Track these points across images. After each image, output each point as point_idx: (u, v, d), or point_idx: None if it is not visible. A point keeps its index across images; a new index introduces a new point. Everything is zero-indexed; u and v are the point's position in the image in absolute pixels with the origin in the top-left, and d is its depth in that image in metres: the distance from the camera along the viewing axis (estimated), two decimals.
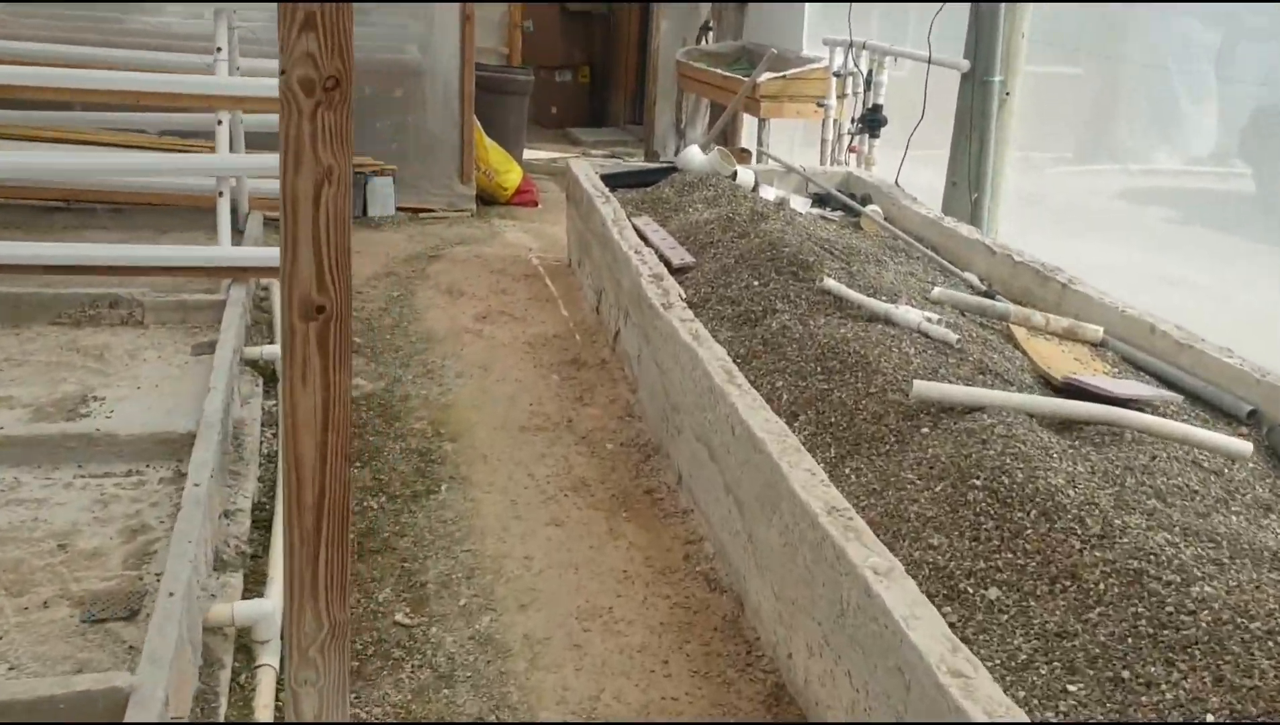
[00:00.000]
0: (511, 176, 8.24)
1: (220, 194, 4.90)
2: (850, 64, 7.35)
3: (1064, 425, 3.24)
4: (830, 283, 4.24)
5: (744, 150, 8.05)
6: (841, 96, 7.44)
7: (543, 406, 4.56)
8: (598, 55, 12.62)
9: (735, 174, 6.34)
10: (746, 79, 7.80)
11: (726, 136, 9.31)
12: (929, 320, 3.92)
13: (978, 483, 2.78)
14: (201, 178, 5.43)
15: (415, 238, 7.18)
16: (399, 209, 7.62)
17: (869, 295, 4.22)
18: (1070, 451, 2.94)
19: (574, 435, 4.30)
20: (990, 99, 5.94)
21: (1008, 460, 2.83)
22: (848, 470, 3.13)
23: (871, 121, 6.98)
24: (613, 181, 6.37)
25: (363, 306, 5.72)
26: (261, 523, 3.51)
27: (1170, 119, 6.97)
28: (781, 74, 7.58)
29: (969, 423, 3.09)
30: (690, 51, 9.19)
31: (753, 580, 3.05)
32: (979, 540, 2.64)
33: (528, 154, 9.55)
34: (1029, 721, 2.00)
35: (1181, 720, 2.07)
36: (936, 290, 4.43)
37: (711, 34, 9.42)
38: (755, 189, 6.30)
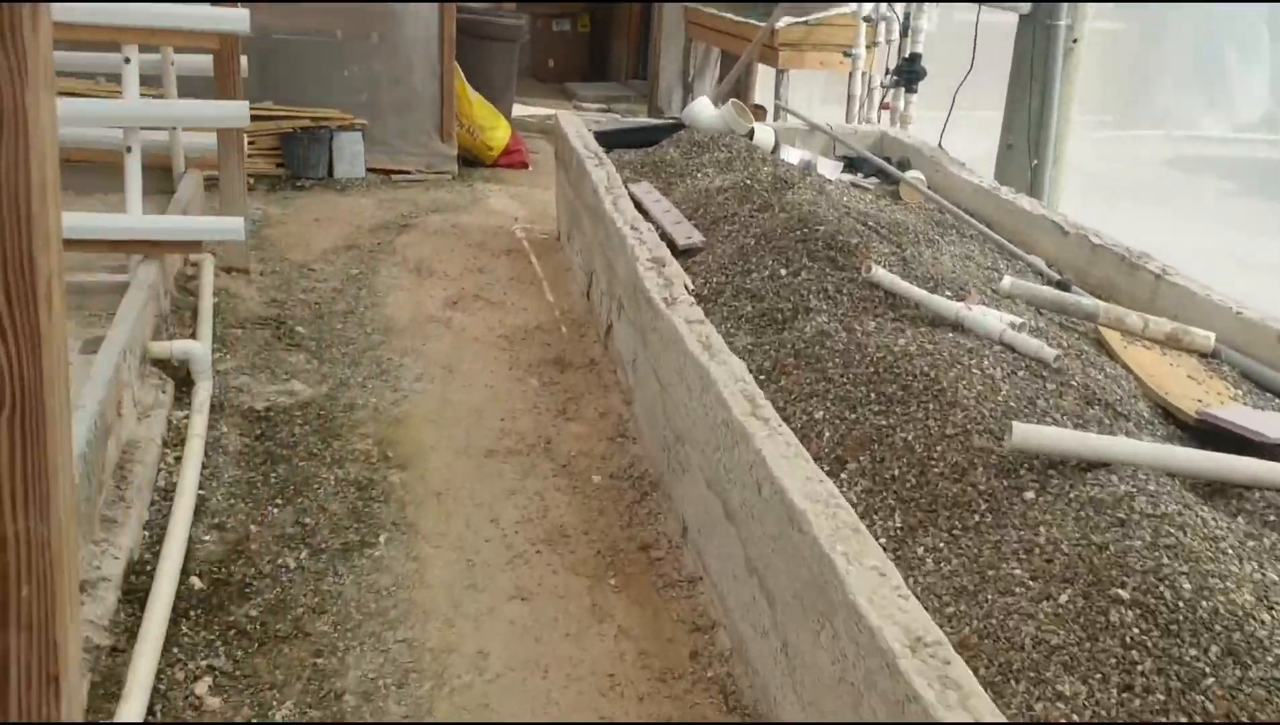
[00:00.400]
0: (498, 134, 7.31)
1: (128, 149, 3.98)
2: (884, 7, 6.39)
3: (1213, 488, 2.35)
4: (880, 273, 3.32)
5: (759, 106, 7.11)
6: (872, 45, 6.49)
7: (516, 422, 3.67)
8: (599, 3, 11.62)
9: (752, 132, 5.40)
10: (763, 25, 6.85)
11: (740, 90, 8.37)
12: (1012, 326, 3.02)
13: (1123, 594, 1.89)
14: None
15: (385, 204, 6.25)
16: (370, 170, 6.70)
17: (928, 288, 3.32)
18: (1249, 542, 2.05)
19: (553, 462, 3.40)
20: (1055, 45, 5.00)
21: (1164, 559, 1.94)
22: (921, 551, 2.24)
23: (909, 74, 6.03)
24: (609, 140, 5.44)
25: (313, 287, 4.82)
26: (137, 594, 2.64)
27: (1217, 81, 6.10)
28: (803, 19, 6.63)
29: (1094, 488, 2.19)
30: None
31: (788, 707, 2.18)
32: (1133, 691, 1.76)
33: (519, 110, 8.59)
34: None
35: None
36: (1007, 281, 3.52)
37: None
38: (775, 150, 5.37)
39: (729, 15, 7.68)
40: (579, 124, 5.60)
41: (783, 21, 6.60)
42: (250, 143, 5.89)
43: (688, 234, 4.14)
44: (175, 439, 3.41)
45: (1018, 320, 3.13)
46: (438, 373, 4.04)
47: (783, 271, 3.55)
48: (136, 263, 4.00)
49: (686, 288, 3.43)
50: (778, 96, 6.89)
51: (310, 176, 6.48)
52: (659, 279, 3.46)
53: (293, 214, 5.89)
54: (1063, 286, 3.90)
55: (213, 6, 4.44)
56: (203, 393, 3.64)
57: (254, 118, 4.72)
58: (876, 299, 3.27)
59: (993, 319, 3.02)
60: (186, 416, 3.50)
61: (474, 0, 7.84)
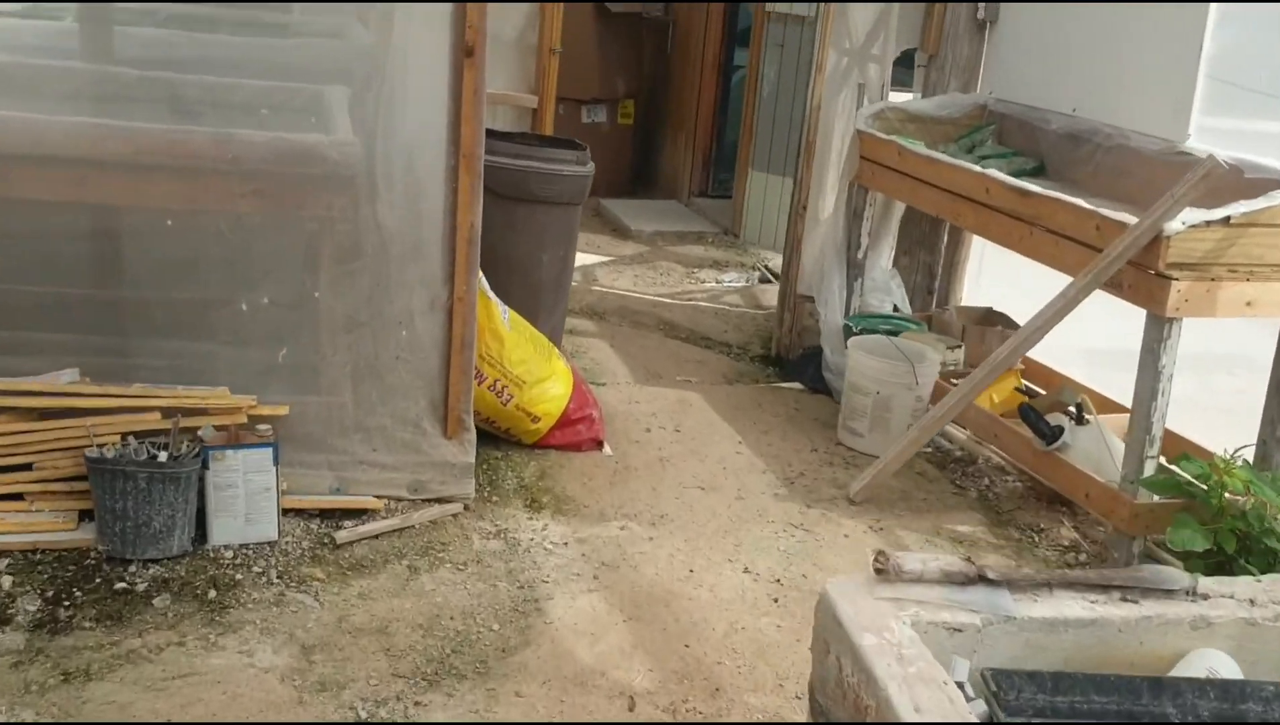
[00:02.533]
0: (551, 390, 3.68)
1: None
2: None
3: None
4: None
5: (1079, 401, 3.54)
6: None
7: None
8: (647, 83, 8.05)
9: None
10: (1049, 195, 3.35)
11: (944, 300, 4.86)
12: None
13: None
14: None
15: (313, 651, 2.61)
16: (289, 512, 3.06)
17: None
18: None
19: None
20: None
21: None
22: None
23: None
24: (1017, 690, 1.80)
25: None
26: None
27: None
28: (1221, 214, 3.08)
29: None
30: (883, 113, 4.68)
31: None
32: None
33: None
34: None
35: None
36: None
37: (923, 75, 4.93)
38: None
39: (950, 160, 4.14)
40: (907, 635, 1.89)
41: (1181, 221, 3.05)
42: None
43: None
44: None
45: None
46: None
47: None
48: None
49: None
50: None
51: (150, 555, 2.81)
52: None
53: None
54: None
55: None
56: None
57: None
58: None
59: None
60: None
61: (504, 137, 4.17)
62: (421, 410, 3.19)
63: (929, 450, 4.14)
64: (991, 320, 4.49)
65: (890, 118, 4.69)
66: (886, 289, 4.85)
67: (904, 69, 5.03)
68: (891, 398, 3.96)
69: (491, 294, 3.61)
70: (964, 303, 4.92)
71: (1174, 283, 3.06)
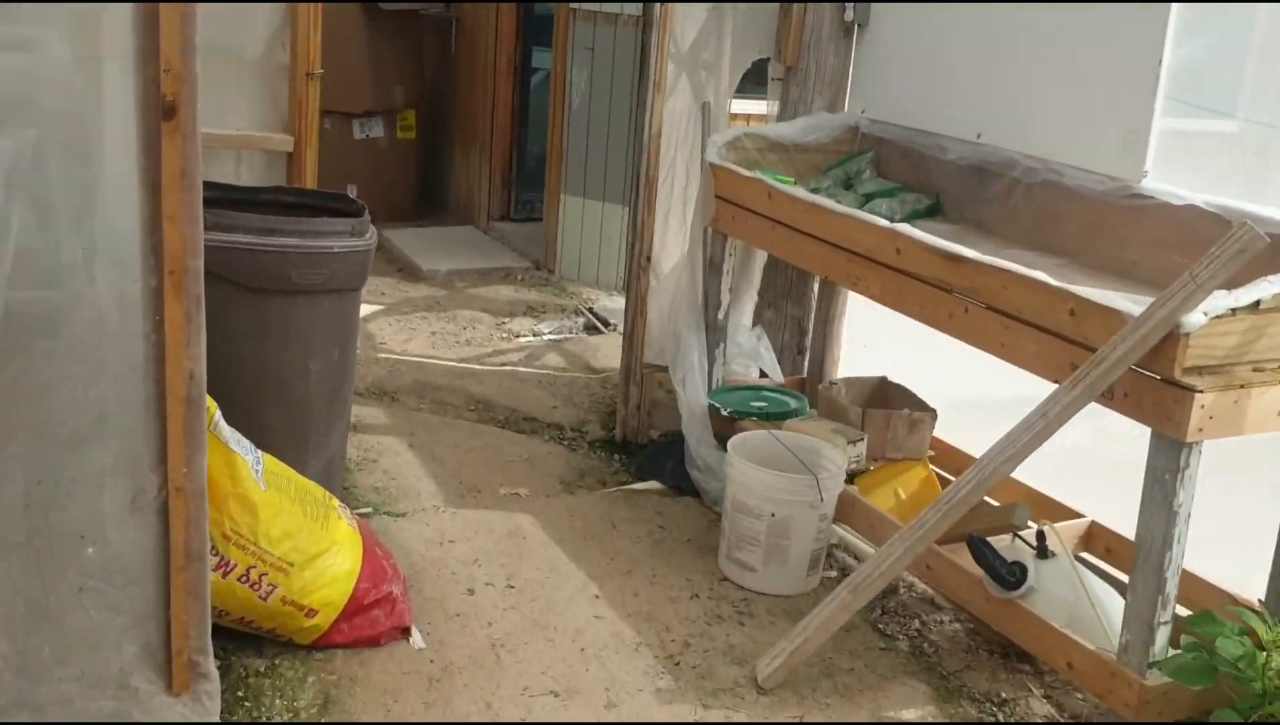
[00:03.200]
0: (330, 568, 2.57)
1: None
2: None
3: None
4: None
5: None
6: None
7: None
8: (431, 90, 6.89)
9: None
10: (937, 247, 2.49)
11: (819, 364, 3.99)
12: None
13: None
14: None
15: None
16: None
17: None
18: None
19: None
20: None
21: None
22: None
23: None
24: None
25: None
26: None
27: None
28: (1249, 300, 2.26)
29: None
30: (738, 141, 3.73)
31: None
32: None
33: None
34: None
35: None
36: None
37: (775, 86, 3.99)
38: None
39: (843, 209, 3.25)
40: None
41: (1203, 310, 2.21)
42: None
43: None
44: None
45: None
46: None
47: None
48: None
49: None
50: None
51: None
52: None
53: None
54: None
55: None
56: None
57: None
58: None
59: None
60: None
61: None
62: (129, 661, 2.04)
63: (833, 574, 3.24)
64: (888, 397, 3.63)
65: (748, 147, 3.75)
66: (753, 353, 3.93)
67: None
68: (790, 520, 3.04)
69: (234, 441, 2.46)
70: (841, 362, 4.05)
71: (1196, 396, 2.22)
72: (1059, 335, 2.50)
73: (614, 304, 5.29)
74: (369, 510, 3.32)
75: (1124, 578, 3.03)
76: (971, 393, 3.81)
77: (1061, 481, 3.36)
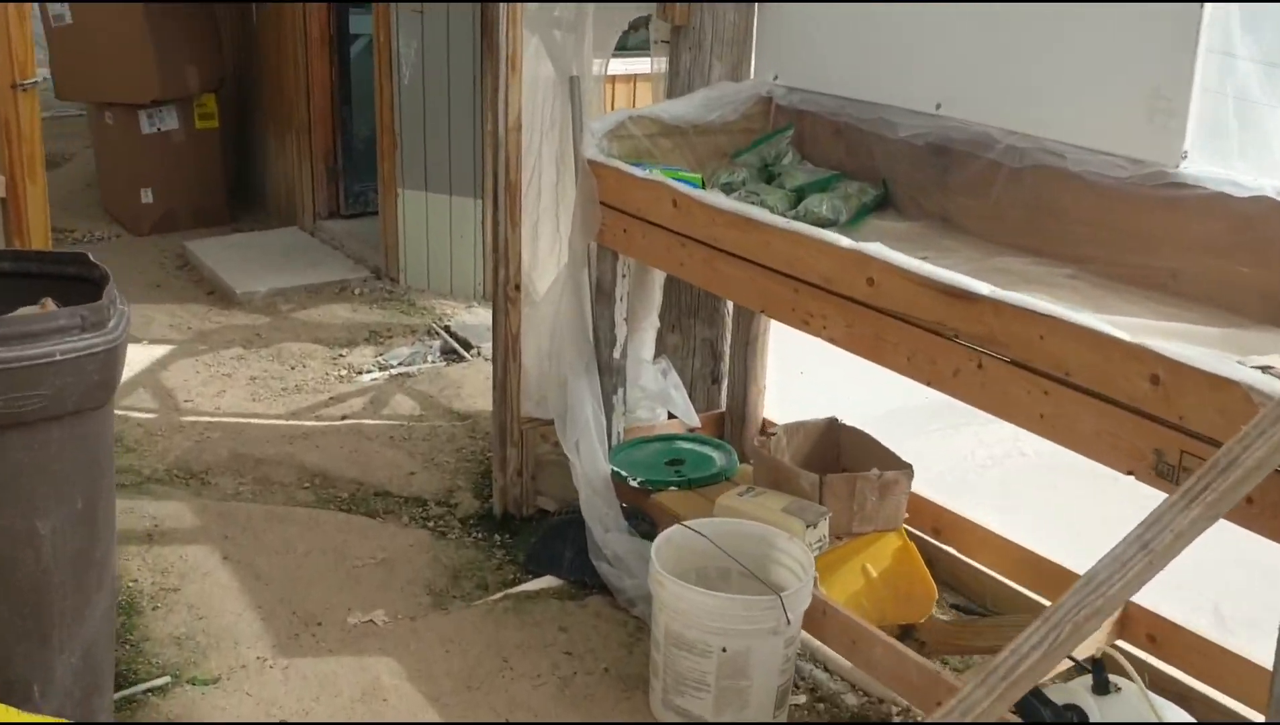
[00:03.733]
0: None
1: None
2: None
3: None
4: None
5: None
6: None
7: None
8: (233, 70, 5.79)
9: None
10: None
11: (741, 397, 3.18)
12: None
13: None
14: None
15: None
16: None
17: None
18: None
19: None
20: None
21: None
22: None
23: None
24: None
25: None
26: None
27: None
28: None
29: None
30: (623, 127, 2.87)
31: None
32: None
33: None
34: None
35: None
36: None
37: (658, 60, 3.12)
38: None
39: (789, 225, 2.45)
40: None
41: None
42: None
43: None
44: None
45: None
46: None
47: None
48: None
49: None
50: None
51: None
52: None
53: None
54: None
55: None
56: None
57: None
58: None
59: None
60: None
61: None
62: None
63: (801, 700, 2.46)
64: (842, 447, 2.83)
65: (635, 134, 2.89)
66: (661, 396, 3.09)
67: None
68: (748, 653, 2.23)
69: None
70: (768, 392, 3.25)
71: None
72: (1133, 410, 1.73)
73: (475, 320, 4.38)
74: (164, 681, 2.39)
75: (1173, 671, 2.33)
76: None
77: (1055, 540, 2.66)
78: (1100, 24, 2.23)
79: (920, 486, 2.72)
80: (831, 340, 2.25)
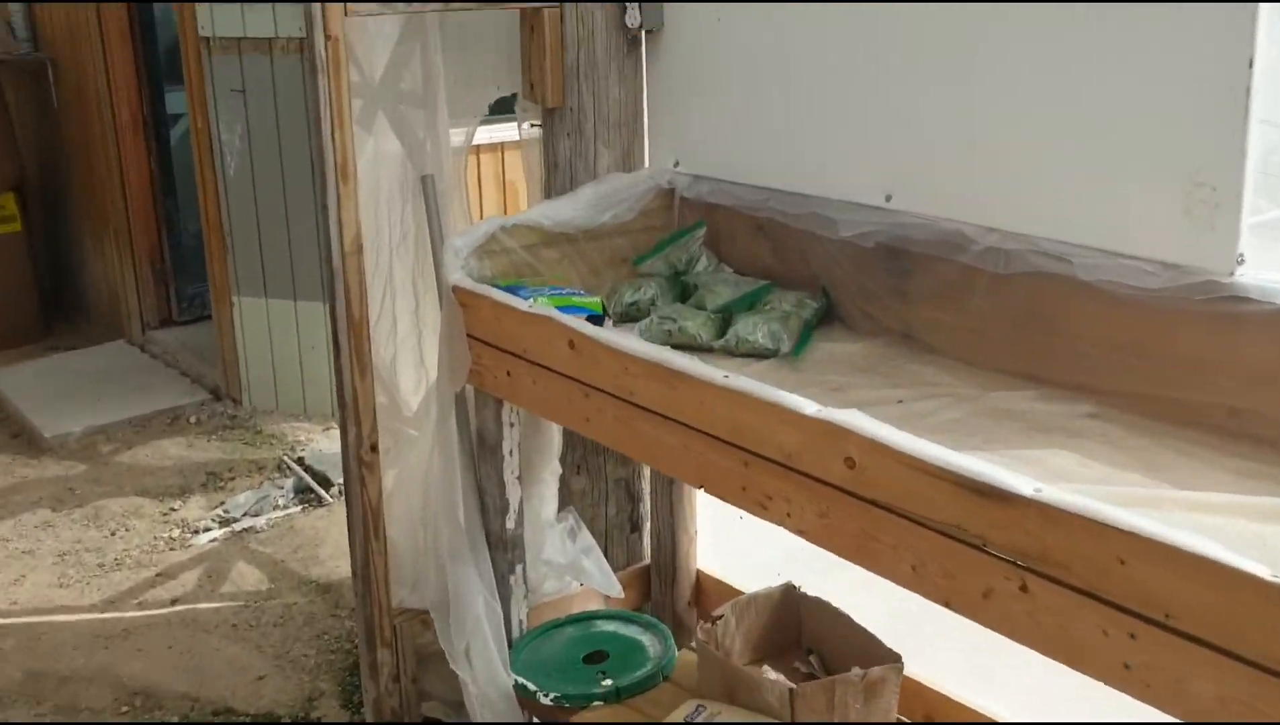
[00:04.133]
0: None
1: None
2: None
3: None
4: None
5: None
6: None
7: None
8: (36, 162, 5.00)
9: None
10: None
11: (669, 549, 2.58)
12: None
13: None
14: None
15: None
16: None
17: None
18: None
19: None
20: None
21: None
22: None
23: None
24: None
25: None
26: None
27: None
28: None
29: None
30: (495, 240, 2.26)
31: None
32: None
33: None
34: None
35: None
36: None
37: (522, 120, 2.52)
38: None
39: (713, 377, 1.87)
40: None
41: None
42: None
43: None
44: None
45: None
46: None
47: None
48: None
49: None
50: None
51: None
52: None
53: None
54: None
55: None
56: None
57: None
58: None
59: None
60: None
61: None
62: None
63: None
64: (804, 625, 2.25)
65: (511, 246, 2.28)
66: (572, 566, 2.48)
67: None
68: None
69: None
70: (699, 538, 2.66)
71: None
72: (1268, 670, 1.18)
73: (334, 447, 3.69)
74: None
75: None
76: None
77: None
78: (1115, 88, 1.70)
79: (891, 635, 2.13)
80: (800, 533, 1.66)
